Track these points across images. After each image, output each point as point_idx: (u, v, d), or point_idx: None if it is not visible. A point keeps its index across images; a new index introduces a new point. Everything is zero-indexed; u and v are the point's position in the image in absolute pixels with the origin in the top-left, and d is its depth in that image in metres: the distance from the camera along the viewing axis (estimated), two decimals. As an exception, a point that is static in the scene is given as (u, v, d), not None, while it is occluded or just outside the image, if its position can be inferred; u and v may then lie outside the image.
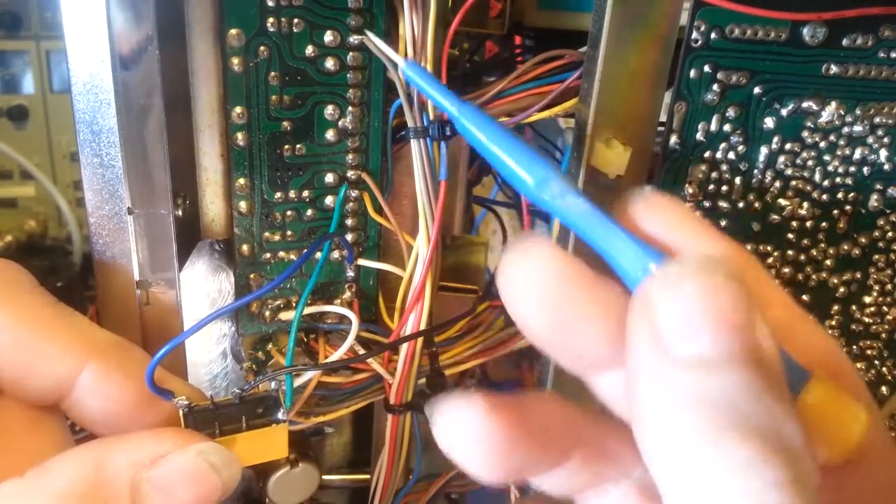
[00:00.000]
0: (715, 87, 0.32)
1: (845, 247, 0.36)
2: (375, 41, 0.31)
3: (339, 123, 0.33)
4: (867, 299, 0.37)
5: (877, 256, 0.36)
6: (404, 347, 0.35)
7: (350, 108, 0.33)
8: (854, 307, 0.37)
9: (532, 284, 0.19)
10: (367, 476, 0.43)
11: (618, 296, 0.20)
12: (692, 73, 0.31)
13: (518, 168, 0.22)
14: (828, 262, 0.36)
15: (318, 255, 0.34)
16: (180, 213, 0.32)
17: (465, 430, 0.20)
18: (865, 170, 0.34)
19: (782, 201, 0.34)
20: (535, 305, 0.19)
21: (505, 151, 0.22)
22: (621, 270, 0.20)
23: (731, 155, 0.33)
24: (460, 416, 0.20)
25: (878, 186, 0.35)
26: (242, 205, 0.34)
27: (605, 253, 0.20)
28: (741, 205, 0.34)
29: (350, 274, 0.37)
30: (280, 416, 0.29)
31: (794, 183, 0.34)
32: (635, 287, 0.19)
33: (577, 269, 0.20)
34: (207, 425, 0.27)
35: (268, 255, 0.35)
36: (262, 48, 0.31)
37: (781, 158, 0.33)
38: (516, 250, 0.20)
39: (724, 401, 0.16)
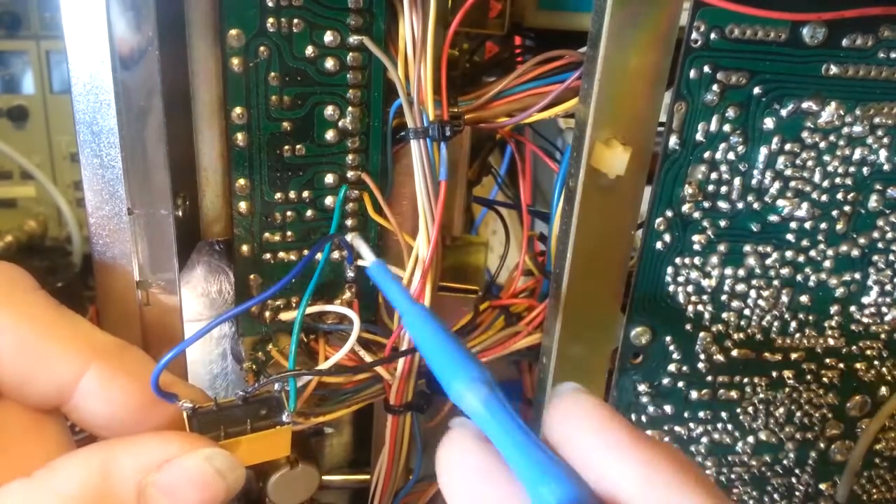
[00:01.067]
0: (715, 87, 0.32)
1: (844, 247, 0.36)
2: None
3: (339, 124, 0.33)
4: (866, 300, 0.37)
5: (876, 257, 0.36)
6: (405, 348, 0.35)
7: (350, 109, 0.33)
8: (853, 307, 0.37)
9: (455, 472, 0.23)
10: (367, 476, 0.43)
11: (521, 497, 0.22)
12: (692, 74, 0.31)
13: (442, 371, 0.24)
14: (827, 262, 0.36)
15: (319, 256, 0.34)
16: (180, 213, 0.32)
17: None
18: (865, 170, 0.34)
19: (782, 202, 0.34)
20: (455, 488, 0.23)
21: (438, 353, 0.25)
22: (522, 481, 0.22)
23: (731, 155, 0.33)
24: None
25: (878, 187, 0.35)
26: (242, 205, 0.34)
27: (511, 463, 0.22)
28: (741, 205, 0.34)
29: (350, 274, 0.37)
30: (284, 418, 0.29)
31: (793, 183, 0.34)
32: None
33: (493, 465, 0.23)
34: (212, 428, 0.27)
35: (268, 255, 0.35)
36: (261, 48, 0.31)
37: (781, 159, 0.33)
38: (448, 437, 0.24)
39: None
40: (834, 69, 0.32)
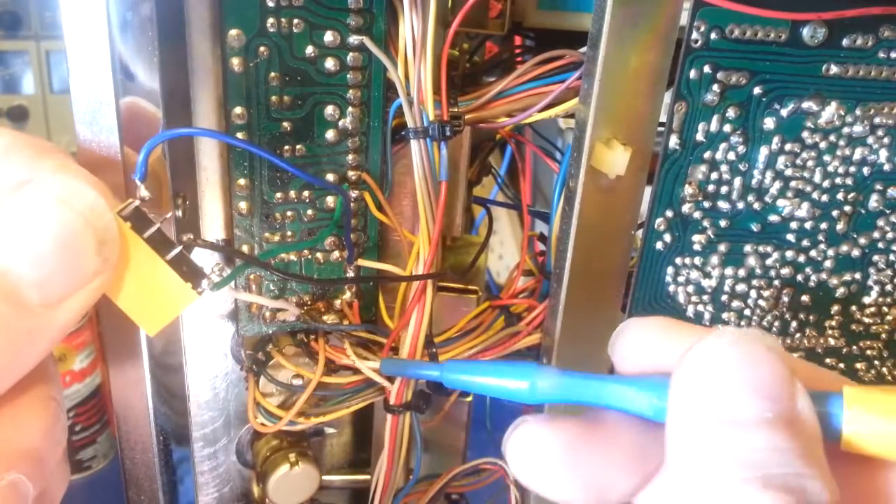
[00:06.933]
0: (715, 87, 0.32)
1: (845, 247, 0.36)
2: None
3: (339, 124, 0.33)
4: (867, 300, 0.37)
5: (876, 257, 0.36)
6: (405, 348, 0.35)
7: (350, 109, 0.33)
8: (854, 307, 0.37)
9: (544, 465, 0.22)
10: (367, 476, 0.43)
11: (608, 438, 0.22)
12: (692, 74, 0.31)
13: (508, 382, 0.25)
14: (827, 262, 0.36)
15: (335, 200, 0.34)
16: (180, 213, 0.32)
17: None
18: (865, 170, 0.34)
19: (782, 202, 0.34)
20: (553, 480, 0.22)
21: (492, 375, 0.25)
22: (635, 412, 0.22)
23: (731, 155, 0.33)
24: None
25: (878, 187, 0.35)
26: (242, 205, 0.34)
27: (614, 406, 0.23)
28: (741, 205, 0.34)
29: (350, 274, 0.37)
30: (203, 284, 0.27)
31: (793, 183, 0.34)
32: (656, 416, 0.21)
33: (570, 434, 0.22)
34: (141, 228, 0.25)
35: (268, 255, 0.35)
36: (262, 48, 0.31)
37: (781, 159, 0.33)
38: (511, 437, 0.23)
39: (757, 461, 0.18)
40: (834, 69, 0.32)
